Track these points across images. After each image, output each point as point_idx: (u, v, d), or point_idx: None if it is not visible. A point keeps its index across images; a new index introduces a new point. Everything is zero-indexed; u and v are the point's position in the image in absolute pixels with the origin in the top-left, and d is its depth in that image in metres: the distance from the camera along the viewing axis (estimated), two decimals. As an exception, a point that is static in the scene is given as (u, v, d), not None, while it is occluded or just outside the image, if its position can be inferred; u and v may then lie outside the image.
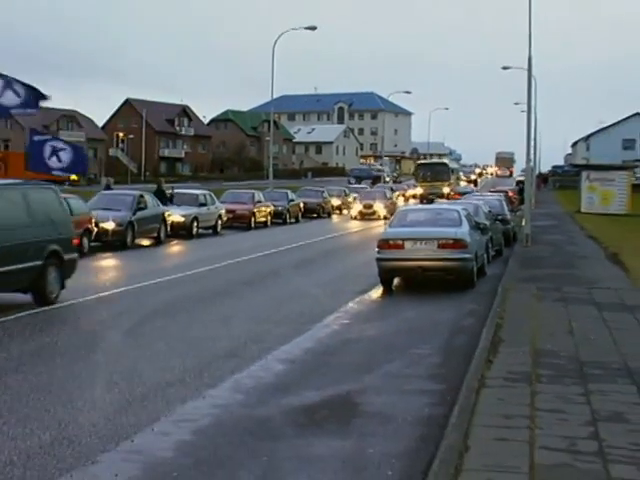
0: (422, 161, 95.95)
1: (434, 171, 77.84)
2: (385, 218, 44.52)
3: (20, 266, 15.45)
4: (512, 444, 7.71)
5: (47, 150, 12.69)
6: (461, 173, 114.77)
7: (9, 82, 12.70)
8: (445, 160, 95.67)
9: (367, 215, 49.56)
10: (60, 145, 12.63)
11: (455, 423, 8.47)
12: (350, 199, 57.22)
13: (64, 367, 11.37)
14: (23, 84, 12.97)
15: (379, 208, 50.00)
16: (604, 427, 8.26)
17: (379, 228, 34.83)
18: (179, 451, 8.00)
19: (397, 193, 68.03)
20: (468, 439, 7.83)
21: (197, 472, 7.45)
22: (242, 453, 7.96)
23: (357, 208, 50.72)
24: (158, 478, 7.30)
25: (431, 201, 50.93)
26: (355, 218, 49.43)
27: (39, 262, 15.97)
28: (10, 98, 12.61)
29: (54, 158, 12.62)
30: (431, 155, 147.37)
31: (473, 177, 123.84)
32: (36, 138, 12.92)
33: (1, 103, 12.57)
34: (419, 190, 74.59)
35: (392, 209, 44.76)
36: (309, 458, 7.87)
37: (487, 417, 8.62)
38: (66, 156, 12.58)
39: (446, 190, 71.57)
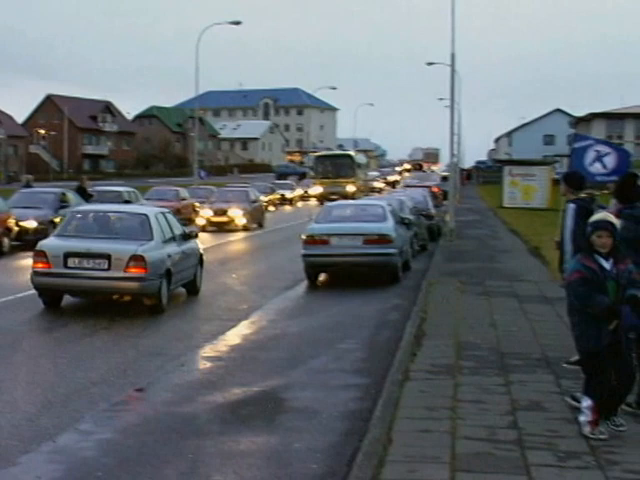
0: (321, 153, 77.62)
1: (336, 165, 65.68)
2: (246, 229, 35.67)
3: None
4: (434, 435, 7.86)
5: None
6: (375, 172, 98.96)
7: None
8: (350, 152, 77.17)
9: (220, 224, 36.44)
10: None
11: (379, 416, 8.58)
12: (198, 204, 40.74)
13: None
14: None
15: (236, 215, 36.37)
16: (523, 416, 8.46)
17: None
18: (103, 450, 7.97)
19: (296, 193, 64.58)
20: (392, 432, 7.95)
21: (121, 471, 7.43)
22: (167, 451, 7.96)
23: (206, 214, 37.15)
24: (82, 478, 7.26)
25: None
26: (204, 229, 35.18)
27: None
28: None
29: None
30: (357, 152, 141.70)
31: (391, 178, 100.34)
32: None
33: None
34: (318, 189, 63.20)
35: (258, 216, 38.69)
36: (235, 454, 7.90)
37: (410, 410, 8.76)
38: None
39: (351, 189, 61.80)
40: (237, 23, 55.54)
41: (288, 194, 62.48)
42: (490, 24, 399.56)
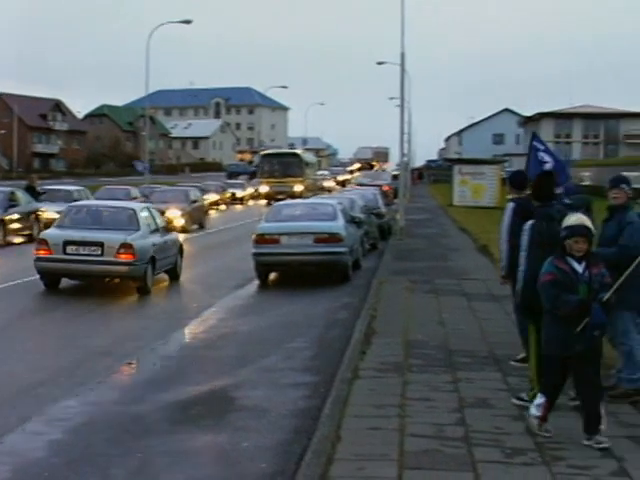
0: (268, 151, 73.59)
1: (283, 164, 62.54)
2: (184, 230, 31.96)
3: None
4: (383, 433, 7.91)
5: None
6: (325, 172, 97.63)
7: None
8: (297, 150, 74.61)
9: None
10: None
11: (328, 414, 8.63)
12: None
13: None
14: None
15: (174, 216, 32.79)
16: (470, 413, 8.55)
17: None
18: (51, 451, 7.91)
19: (247, 192, 63.78)
20: (340, 429, 7.99)
21: (69, 471, 7.39)
22: (115, 450, 7.93)
23: None
24: (29, 479, 7.20)
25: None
26: None
27: None
28: None
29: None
30: (306, 150, 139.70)
31: (341, 177, 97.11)
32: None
33: None
34: (264, 188, 60.69)
35: (199, 216, 37.43)
36: (183, 453, 7.89)
37: (359, 407, 8.81)
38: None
39: (298, 188, 59.13)
40: (188, 22, 55.19)
41: (239, 193, 62.29)
42: (440, 24, 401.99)
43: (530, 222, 8.77)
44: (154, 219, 19.50)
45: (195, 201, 38.30)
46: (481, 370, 10.48)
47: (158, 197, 37.44)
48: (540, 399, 7.85)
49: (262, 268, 19.78)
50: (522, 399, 8.82)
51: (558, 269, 7.60)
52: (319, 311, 16.10)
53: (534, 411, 7.87)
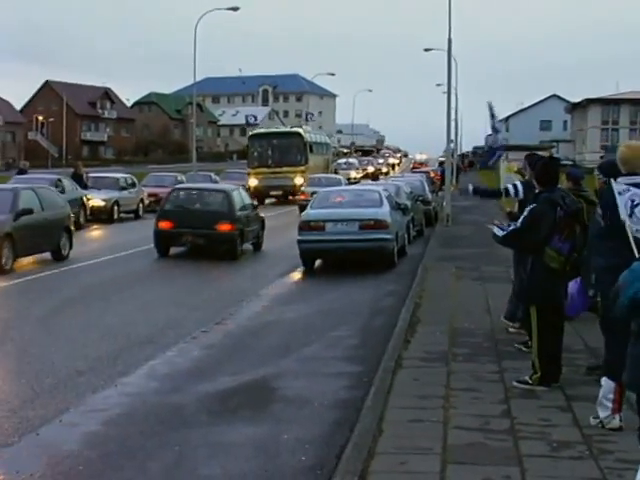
0: (257, 131, 55.17)
1: (277, 148, 47.12)
2: None
3: None
4: (426, 425, 7.69)
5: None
6: (351, 159, 77.65)
7: None
8: (298, 129, 51.75)
9: None
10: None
11: (370, 406, 8.41)
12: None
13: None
14: None
15: None
16: (516, 404, 8.29)
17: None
18: (87, 443, 7.76)
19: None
20: (383, 422, 7.78)
21: (104, 464, 7.24)
22: (153, 443, 7.78)
23: None
24: (63, 472, 7.04)
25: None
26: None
27: None
28: None
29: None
30: (355, 141, 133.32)
31: (371, 168, 76.62)
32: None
33: None
34: (252, 182, 44.70)
35: None
36: (222, 446, 7.72)
37: (402, 398, 8.59)
38: None
39: (299, 181, 44.16)
40: (235, 9, 55.08)
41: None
42: (487, 8, 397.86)
43: (532, 205, 8.81)
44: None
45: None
46: (528, 359, 10.17)
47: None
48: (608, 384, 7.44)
49: (307, 255, 19.64)
50: (526, 382, 8.79)
51: None
52: (364, 299, 15.88)
53: (607, 401, 7.46)
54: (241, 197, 23.64)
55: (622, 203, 6.96)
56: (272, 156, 46.64)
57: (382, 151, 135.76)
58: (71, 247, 21.54)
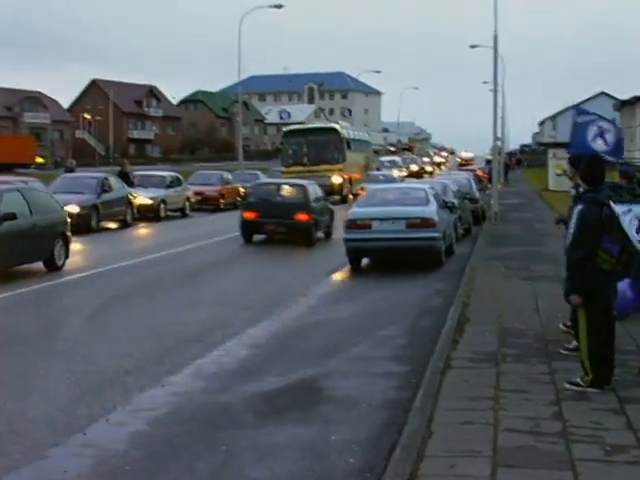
0: (291, 127, 50.84)
1: (313, 145, 44.66)
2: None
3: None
4: (476, 427, 7.57)
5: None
6: (396, 158, 73.87)
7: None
8: (334, 124, 49.81)
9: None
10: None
11: (419, 407, 8.31)
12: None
13: (20, 355, 11.13)
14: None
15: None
16: (567, 406, 8.14)
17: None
18: (133, 443, 7.74)
19: None
20: (432, 423, 7.68)
21: (151, 464, 7.20)
22: (200, 443, 7.73)
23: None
24: (109, 472, 7.03)
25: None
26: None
27: None
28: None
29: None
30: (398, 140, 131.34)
31: (415, 167, 73.61)
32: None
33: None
34: None
35: None
36: (269, 447, 7.65)
37: (451, 400, 8.47)
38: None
39: (337, 180, 42.89)
40: (279, 7, 55.17)
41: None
42: (534, 4, 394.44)
43: (579, 207, 8.60)
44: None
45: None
46: (579, 361, 10.00)
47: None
48: None
49: (353, 254, 19.53)
50: (578, 384, 8.67)
51: None
52: (411, 298, 15.75)
53: None
54: (315, 190, 26.19)
55: (627, 223, 6.97)
56: (307, 154, 44.34)
57: (416, 150, 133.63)
58: (67, 256, 18.87)
